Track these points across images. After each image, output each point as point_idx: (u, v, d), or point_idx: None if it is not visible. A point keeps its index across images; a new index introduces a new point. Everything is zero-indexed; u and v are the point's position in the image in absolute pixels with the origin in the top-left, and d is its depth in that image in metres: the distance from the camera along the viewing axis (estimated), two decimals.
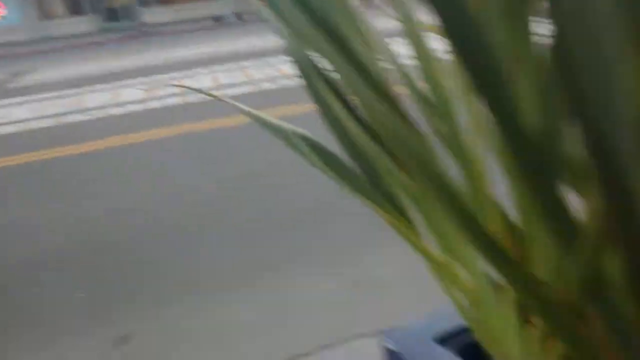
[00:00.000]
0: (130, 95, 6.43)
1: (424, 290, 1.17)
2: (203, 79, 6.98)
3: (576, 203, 0.34)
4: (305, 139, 0.54)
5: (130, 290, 2.15)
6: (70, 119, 5.57)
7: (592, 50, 0.25)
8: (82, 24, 22.06)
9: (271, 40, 10.56)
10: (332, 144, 0.52)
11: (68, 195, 3.37)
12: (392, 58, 0.50)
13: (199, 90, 0.73)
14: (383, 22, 0.57)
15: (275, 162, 3.23)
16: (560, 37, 0.26)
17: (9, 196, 3.52)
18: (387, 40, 0.50)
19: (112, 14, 21.25)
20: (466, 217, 0.35)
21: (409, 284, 1.85)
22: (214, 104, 5.05)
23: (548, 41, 0.27)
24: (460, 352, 0.56)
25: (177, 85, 7.29)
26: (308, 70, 0.51)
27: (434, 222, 0.47)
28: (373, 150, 0.47)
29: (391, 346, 0.59)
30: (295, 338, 1.72)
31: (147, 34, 17.77)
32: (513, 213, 0.42)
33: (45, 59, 13.45)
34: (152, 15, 22.59)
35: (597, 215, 0.32)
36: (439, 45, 0.37)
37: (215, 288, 2.08)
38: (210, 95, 0.67)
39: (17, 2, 21.66)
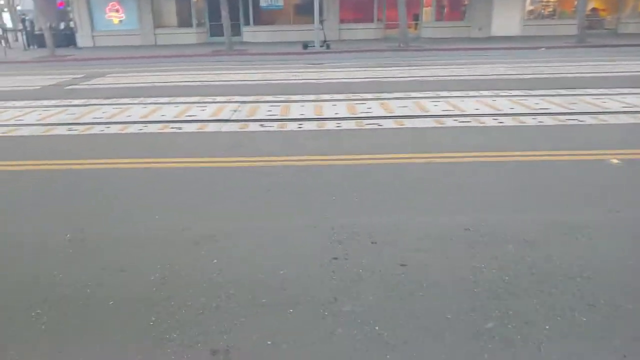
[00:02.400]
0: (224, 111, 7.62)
1: None
2: (338, 107, 8.08)
3: None
4: None
5: None
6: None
7: None
8: (190, 36, 24.58)
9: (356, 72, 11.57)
10: None
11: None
12: None
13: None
14: None
15: None
16: None
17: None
18: None
19: (217, 30, 23.44)
20: None
21: None
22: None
23: None
24: None
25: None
26: None
27: None
28: None
29: None
30: None
31: (242, 52, 19.57)
32: None
33: (156, 64, 15.42)
34: (251, 34, 24.70)
35: None
36: None
37: None
38: None
39: (135, 9, 24.61)
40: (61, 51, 21.13)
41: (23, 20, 25.80)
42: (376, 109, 7.47)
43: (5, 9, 40.53)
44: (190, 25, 25.24)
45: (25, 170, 4.96)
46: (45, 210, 3.95)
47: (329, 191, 4.14)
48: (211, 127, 6.57)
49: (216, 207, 3.92)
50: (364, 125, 6.48)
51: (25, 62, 18.63)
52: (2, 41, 22.75)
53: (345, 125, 6.52)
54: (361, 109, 7.46)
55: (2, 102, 8.86)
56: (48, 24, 20.76)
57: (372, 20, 25.03)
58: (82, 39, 24.55)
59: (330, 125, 6.51)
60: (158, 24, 25.11)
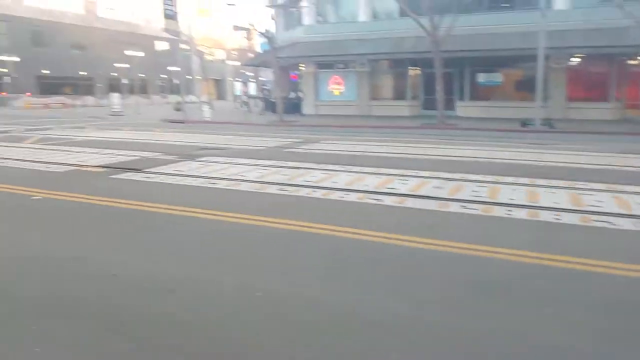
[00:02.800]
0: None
1: None
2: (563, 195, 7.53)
3: None
4: None
5: None
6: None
7: None
8: (404, 108, 25.79)
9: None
10: None
11: None
12: None
13: None
14: None
15: None
16: None
17: None
18: None
19: (430, 103, 24.04)
20: None
21: None
22: None
23: None
24: None
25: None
26: None
27: None
28: None
29: None
30: None
31: (453, 126, 19.49)
32: None
33: (367, 134, 16.45)
34: (465, 109, 24.60)
35: None
36: None
37: None
38: None
39: (354, 82, 27.08)
40: (288, 117, 24.39)
41: (263, 90, 30.91)
42: (608, 202, 6.37)
43: (253, 79, 49.29)
44: (404, 98, 26.53)
45: (236, 222, 5.59)
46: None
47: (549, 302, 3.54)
48: (409, 202, 6.48)
49: (404, 307, 3.69)
50: (590, 222, 5.55)
51: (259, 125, 22.00)
52: (245, 106, 27.48)
53: (565, 218, 5.69)
54: (588, 201, 6.46)
55: (232, 158, 10.47)
56: (281, 94, 24.41)
57: (607, 99, 22.43)
58: (307, 107, 28.00)
59: (546, 215, 5.76)
60: (374, 96, 27.08)
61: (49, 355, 2.92)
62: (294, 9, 28.06)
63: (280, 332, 3.14)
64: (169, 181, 8.03)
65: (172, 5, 25.91)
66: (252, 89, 49.99)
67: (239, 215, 5.81)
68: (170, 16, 26.04)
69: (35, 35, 45.16)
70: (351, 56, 25.86)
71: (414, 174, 8.41)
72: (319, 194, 6.98)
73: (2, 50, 39.98)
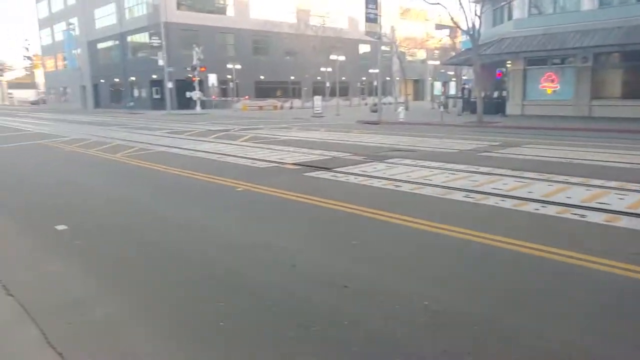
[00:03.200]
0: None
1: None
2: None
3: None
4: None
5: None
6: None
7: None
8: (636, 109, 22.00)
9: None
10: None
11: None
12: None
13: None
14: None
15: None
16: None
17: None
18: None
19: None
20: None
21: None
22: None
23: None
24: None
25: None
26: None
27: None
28: None
29: None
30: None
31: None
32: None
33: (584, 139, 14.55)
34: None
35: None
36: None
37: None
38: None
39: (572, 79, 24.11)
40: (489, 118, 23.09)
41: (463, 89, 29.88)
42: None
43: (454, 79, 48.11)
44: (637, 96, 22.65)
45: (412, 226, 5.53)
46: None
47: None
48: (624, 222, 5.51)
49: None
50: None
51: (456, 126, 21.36)
52: (442, 107, 26.98)
53: None
54: None
55: (420, 160, 10.38)
56: (482, 93, 23.23)
57: None
58: (511, 107, 26.09)
59: None
60: (596, 94, 23.78)
61: (230, 330, 3.34)
62: (504, 3, 26.42)
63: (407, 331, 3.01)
64: (355, 181, 8.38)
65: (374, 9, 26.86)
66: (452, 88, 48.87)
67: (415, 220, 5.74)
68: (372, 19, 27.00)
69: (255, 45, 51.91)
70: (571, 50, 23.17)
71: (636, 188, 7.13)
72: (508, 203, 6.44)
73: (229, 59, 46.98)
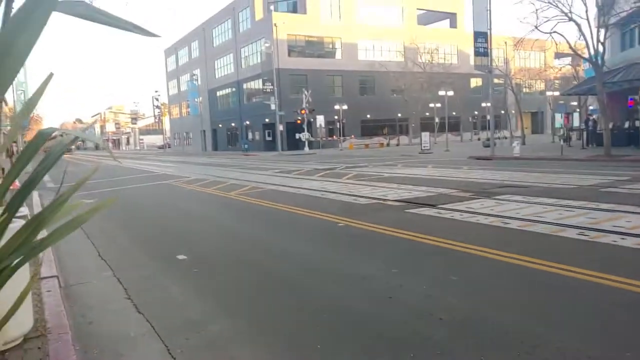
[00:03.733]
0: None
1: None
2: None
3: None
4: None
5: None
6: None
7: None
8: None
9: None
10: None
11: None
12: None
13: None
14: None
15: None
16: None
17: None
18: None
19: None
20: None
21: None
22: None
23: None
24: None
25: None
26: None
27: None
28: None
29: None
30: None
31: None
32: None
33: None
34: None
35: None
36: None
37: None
38: None
39: None
40: (618, 151, 21.34)
41: (587, 120, 27.96)
42: None
43: (577, 110, 45.09)
44: None
45: (515, 263, 5.44)
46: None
47: None
48: None
49: None
50: None
51: (578, 161, 20.04)
52: (563, 140, 25.46)
53: None
54: None
55: (532, 197, 10.00)
56: (610, 124, 21.60)
57: None
58: None
59: None
60: None
61: (326, 347, 3.63)
62: (634, 25, 24.69)
63: None
64: (459, 217, 8.35)
65: (484, 42, 26.57)
66: (576, 120, 45.78)
67: (519, 257, 5.64)
68: (481, 53, 26.70)
69: (362, 85, 53.44)
70: None
71: None
72: (629, 242, 6.04)
73: (336, 100, 48.81)
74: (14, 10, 1.46)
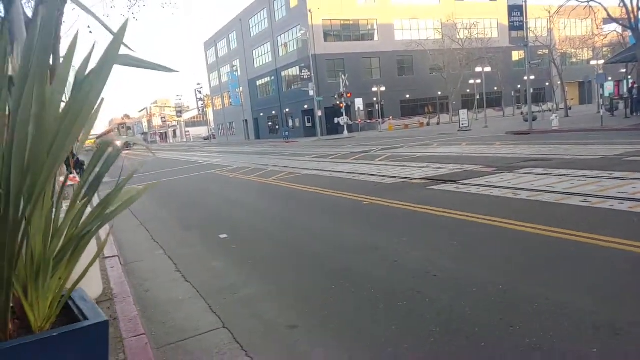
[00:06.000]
0: None
1: None
2: None
3: None
4: None
5: None
6: None
7: None
8: None
9: None
10: None
11: None
12: None
13: None
14: None
15: None
16: None
17: None
18: None
19: None
20: None
21: None
22: None
23: None
24: None
25: None
26: None
27: None
28: None
29: None
30: None
31: None
32: None
33: None
34: None
35: None
36: None
37: None
38: None
39: None
40: None
41: (631, 88, 27.22)
42: None
43: (630, 77, 43.41)
44: None
45: (511, 228, 6.07)
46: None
47: None
48: None
49: None
50: None
51: (617, 130, 19.82)
52: (605, 109, 24.99)
53: None
54: None
55: (552, 169, 10.40)
56: None
57: None
58: None
59: None
60: None
61: (336, 304, 4.47)
62: None
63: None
64: (475, 191, 8.95)
65: (519, 16, 26.26)
66: (624, 88, 44.10)
67: (515, 222, 6.27)
68: (517, 27, 26.42)
69: (400, 65, 53.40)
70: None
71: None
72: (625, 206, 6.53)
73: (374, 82, 49.09)
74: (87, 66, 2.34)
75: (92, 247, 4.56)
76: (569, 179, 9.00)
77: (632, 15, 20.91)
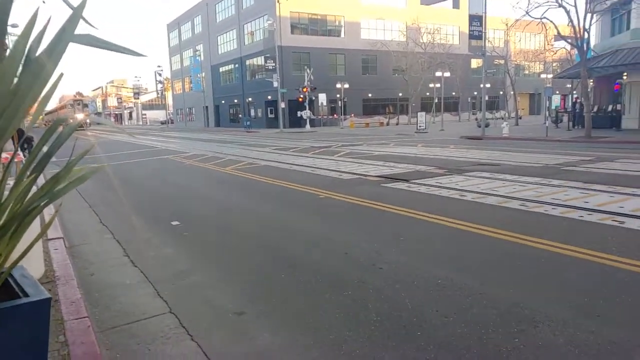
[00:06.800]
0: None
1: None
2: None
3: None
4: None
5: None
6: None
7: None
8: None
9: None
10: None
11: None
12: None
13: None
14: None
15: None
16: None
17: None
18: None
19: None
20: None
21: None
22: None
23: None
24: None
25: None
26: None
27: None
28: None
29: None
30: None
31: None
32: None
33: None
34: None
35: None
36: None
37: None
38: None
39: None
40: (599, 132, 22.03)
41: (574, 103, 28.56)
42: None
43: (575, 92, 45.44)
44: None
45: (452, 226, 6.32)
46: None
47: None
48: None
49: None
50: None
51: (559, 141, 20.77)
52: (551, 121, 26.09)
53: None
54: None
55: (498, 174, 10.83)
56: (595, 107, 22.27)
57: None
58: (627, 121, 24.57)
59: None
60: None
61: (284, 289, 4.53)
62: (623, 12, 25.07)
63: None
64: (425, 191, 9.22)
65: (478, 26, 26.97)
66: (568, 102, 46.19)
67: (461, 222, 6.52)
68: (476, 36, 27.14)
69: (364, 64, 53.80)
70: None
71: None
72: (557, 211, 6.91)
73: (338, 78, 49.26)
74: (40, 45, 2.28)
75: (36, 227, 4.43)
76: (512, 184, 9.40)
77: (578, 35, 21.87)
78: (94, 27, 2.43)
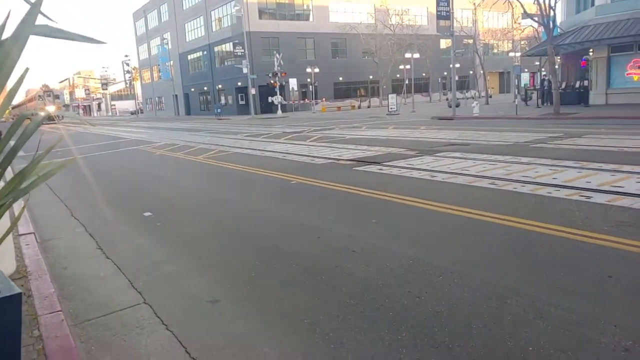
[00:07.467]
0: None
1: None
2: None
3: None
4: None
5: None
6: None
7: None
8: None
9: None
10: None
11: None
12: None
13: None
14: None
15: None
16: None
17: None
18: None
19: None
20: None
21: None
22: None
23: None
24: None
25: None
26: None
27: None
28: None
29: None
30: None
31: None
32: None
33: None
34: None
35: None
36: None
37: None
38: None
39: None
40: (568, 109, 22.58)
41: (543, 80, 29.14)
42: None
43: (543, 70, 46.27)
44: None
45: (421, 206, 6.47)
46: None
47: None
48: (626, 201, 6.05)
49: None
50: None
51: (528, 119, 21.23)
52: (521, 99, 26.59)
53: None
54: None
55: (469, 154, 11.06)
56: (563, 83, 22.78)
57: None
58: (594, 97, 25.21)
59: None
60: None
61: (259, 278, 4.59)
62: None
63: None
64: (396, 173, 9.36)
65: (446, 6, 27.14)
66: (538, 80, 47.09)
67: (430, 202, 6.68)
68: (443, 17, 27.32)
69: (334, 47, 53.62)
70: None
71: None
72: (527, 188, 7.13)
73: (308, 63, 49.03)
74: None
75: (5, 223, 4.37)
76: (482, 163, 9.62)
77: (544, 13, 22.26)
78: (51, 19, 2.41)
